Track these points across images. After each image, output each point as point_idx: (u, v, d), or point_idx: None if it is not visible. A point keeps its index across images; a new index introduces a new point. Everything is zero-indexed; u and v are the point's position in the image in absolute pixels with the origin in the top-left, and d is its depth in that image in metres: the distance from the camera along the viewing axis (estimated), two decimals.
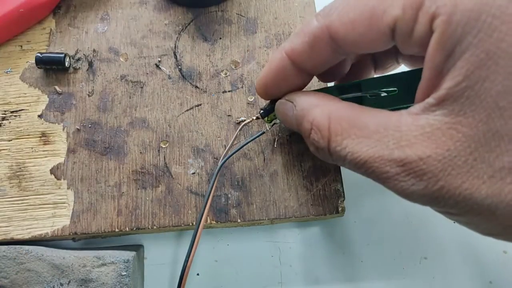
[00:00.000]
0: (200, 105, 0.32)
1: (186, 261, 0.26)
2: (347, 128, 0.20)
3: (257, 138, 0.29)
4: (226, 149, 0.30)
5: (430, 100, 0.17)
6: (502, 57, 0.15)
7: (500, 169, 0.15)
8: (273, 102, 0.27)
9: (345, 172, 0.31)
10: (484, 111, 0.16)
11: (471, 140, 0.16)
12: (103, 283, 0.26)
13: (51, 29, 0.34)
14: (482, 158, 0.16)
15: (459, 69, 0.16)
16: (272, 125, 0.28)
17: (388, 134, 0.18)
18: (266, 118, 0.28)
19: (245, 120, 0.30)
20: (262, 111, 0.28)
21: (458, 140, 0.16)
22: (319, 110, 0.21)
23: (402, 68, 0.28)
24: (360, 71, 0.28)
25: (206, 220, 0.29)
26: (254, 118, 0.29)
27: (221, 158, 0.29)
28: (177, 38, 0.33)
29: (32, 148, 0.30)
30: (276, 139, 0.30)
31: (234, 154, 0.29)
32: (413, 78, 0.22)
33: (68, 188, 0.29)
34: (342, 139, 0.20)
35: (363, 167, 0.19)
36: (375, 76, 0.29)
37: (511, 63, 0.15)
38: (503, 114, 0.15)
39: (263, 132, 0.28)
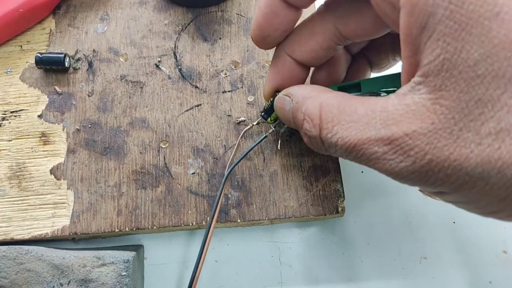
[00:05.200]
0: (200, 105, 0.32)
1: (195, 272, 0.26)
2: (337, 114, 0.20)
3: (256, 138, 0.29)
4: (231, 158, 0.30)
5: (416, 78, 0.17)
6: (475, 26, 0.15)
7: (486, 135, 0.15)
8: (271, 101, 0.27)
9: (345, 172, 0.31)
10: (464, 81, 0.16)
11: (455, 111, 0.16)
12: (103, 283, 0.26)
13: (51, 29, 0.34)
14: (467, 128, 0.16)
15: (435, 42, 0.16)
16: (275, 124, 0.28)
17: (375, 116, 0.18)
18: (268, 119, 0.28)
19: (244, 120, 0.31)
20: (263, 113, 0.28)
21: (441, 113, 0.16)
22: (311, 101, 0.22)
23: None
24: (357, 71, 0.29)
25: (207, 221, 0.29)
26: (255, 123, 0.29)
27: (227, 167, 0.29)
28: (177, 38, 0.33)
29: (32, 148, 0.30)
30: (280, 141, 0.30)
31: (236, 158, 0.29)
32: None
33: (68, 188, 0.29)
34: (333, 126, 0.20)
35: (353, 151, 0.19)
36: (374, 76, 0.29)
37: (484, 32, 0.15)
38: (483, 81, 0.15)
39: (266, 136, 0.28)
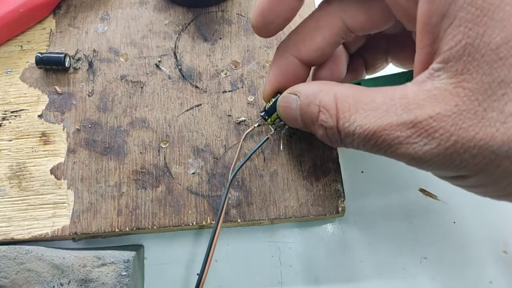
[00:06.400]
0: (200, 105, 0.32)
1: (201, 277, 0.26)
2: (353, 104, 0.20)
3: (256, 139, 0.29)
4: (234, 161, 0.29)
5: (435, 65, 0.17)
6: (496, 12, 0.16)
7: (511, 114, 0.16)
8: (273, 102, 0.27)
9: (345, 172, 0.31)
10: (487, 64, 0.16)
11: (478, 93, 0.16)
12: (103, 283, 0.26)
13: (51, 29, 0.34)
14: (491, 108, 0.16)
15: (457, 28, 0.16)
16: (276, 126, 0.28)
17: (395, 103, 0.18)
18: (269, 120, 0.28)
19: (245, 120, 0.31)
20: (263, 112, 0.28)
21: (465, 95, 0.16)
22: (324, 93, 0.22)
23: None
24: (354, 71, 0.29)
25: (207, 221, 0.29)
26: (256, 125, 0.29)
27: (231, 171, 0.29)
28: (177, 38, 0.34)
29: (32, 148, 0.30)
30: (282, 142, 0.30)
31: (237, 158, 0.29)
32: (412, 77, 0.22)
33: (68, 188, 0.29)
34: (350, 115, 0.20)
35: (373, 139, 0.19)
36: (372, 76, 0.29)
37: (505, 16, 0.16)
38: (505, 63, 0.16)
39: (267, 138, 0.28)
